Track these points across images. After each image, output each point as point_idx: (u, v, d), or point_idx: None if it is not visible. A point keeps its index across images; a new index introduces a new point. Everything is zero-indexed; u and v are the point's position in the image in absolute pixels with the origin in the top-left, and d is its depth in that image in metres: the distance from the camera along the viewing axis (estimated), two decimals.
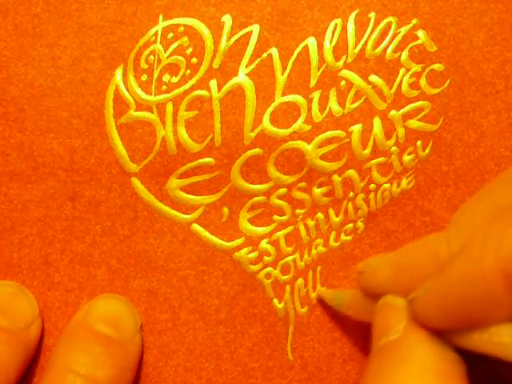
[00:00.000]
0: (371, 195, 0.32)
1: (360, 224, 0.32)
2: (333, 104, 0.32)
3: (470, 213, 0.25)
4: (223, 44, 0.31)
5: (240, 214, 0.32)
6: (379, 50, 0.32)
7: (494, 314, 0.22)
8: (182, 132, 0.31)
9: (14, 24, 0.31)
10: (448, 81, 0.32)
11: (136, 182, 0.31)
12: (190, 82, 0.31)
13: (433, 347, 0.24)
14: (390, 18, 0.32)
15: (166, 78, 0.31)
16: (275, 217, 0.32)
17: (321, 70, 0.31)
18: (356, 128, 0.32)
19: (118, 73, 0.31)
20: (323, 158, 0.32)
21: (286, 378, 0.32)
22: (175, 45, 0.31)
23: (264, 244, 0.32)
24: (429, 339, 0.24)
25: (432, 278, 0.24)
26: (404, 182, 0.32)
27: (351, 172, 0.32)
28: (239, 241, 0.32)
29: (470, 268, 0.22)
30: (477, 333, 0.23)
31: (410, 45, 0.32)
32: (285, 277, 0.32)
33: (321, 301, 0.32)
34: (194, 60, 0.31)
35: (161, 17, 0.31)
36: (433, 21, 0.32)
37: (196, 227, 0.32)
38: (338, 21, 0.31)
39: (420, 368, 0.23)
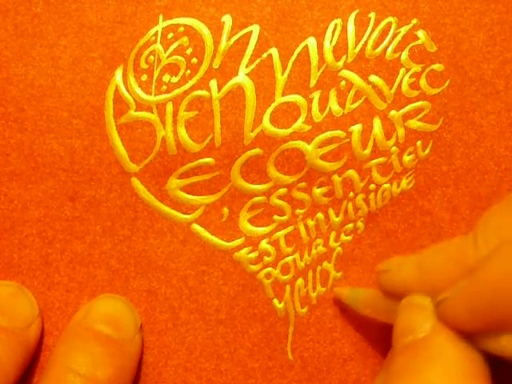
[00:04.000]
0: (371, 195, 0.32)
1: (360, 224, 0.32)
2: (333, 104, 0.32)
3: (499, 217, 0.25)
4: (223, 44, 0.31)
5: (240, 214, 0.32)
6: (379, 50, 0.32)
7: None
8: (182, 132, 0.31)
9: (13, 24, 0.31)
10: (448, 81, 0.32)
11: (136, 182, 0.31)
12: (190, 82, 0.31)
13: (460, 347, 0.24)
14: (390, 18, 0.32)
15: (166, 78, 0.31)
16: (275, 217, 0.32)
17: (321, 70, 0.31)
18: (356, 128, 0.32)
19: (118, 73, 0.31)
20: (323, 158, 0.32)
21: (286, 378, 0.32)
22: (175, 45, 0.31)
23: (264, 244, 0.32)
24: (456, 339, 0.24)
25: (462, 281, 0.24)
26: (404, 182, 0.32)
27: (351, 172, 0.32)
28: (239, 241, 0.32)
29: (502, 270, 0.22)
30: (505, 336, 0.23)
31: (410, 45, 0.32)
32: (285, 277, 0.32)
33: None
34: (194, 60, 0.31)
35: (161, 17, 0.31)
36: (433, 21, 0.32)
37: (196, 227, 0.32)
38: (338, 21, 0.31)
39: (448, 366, 0.24)
